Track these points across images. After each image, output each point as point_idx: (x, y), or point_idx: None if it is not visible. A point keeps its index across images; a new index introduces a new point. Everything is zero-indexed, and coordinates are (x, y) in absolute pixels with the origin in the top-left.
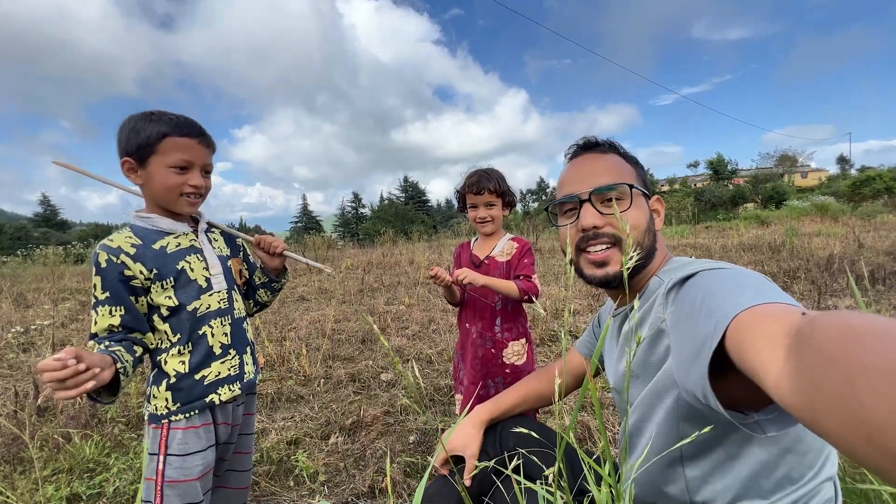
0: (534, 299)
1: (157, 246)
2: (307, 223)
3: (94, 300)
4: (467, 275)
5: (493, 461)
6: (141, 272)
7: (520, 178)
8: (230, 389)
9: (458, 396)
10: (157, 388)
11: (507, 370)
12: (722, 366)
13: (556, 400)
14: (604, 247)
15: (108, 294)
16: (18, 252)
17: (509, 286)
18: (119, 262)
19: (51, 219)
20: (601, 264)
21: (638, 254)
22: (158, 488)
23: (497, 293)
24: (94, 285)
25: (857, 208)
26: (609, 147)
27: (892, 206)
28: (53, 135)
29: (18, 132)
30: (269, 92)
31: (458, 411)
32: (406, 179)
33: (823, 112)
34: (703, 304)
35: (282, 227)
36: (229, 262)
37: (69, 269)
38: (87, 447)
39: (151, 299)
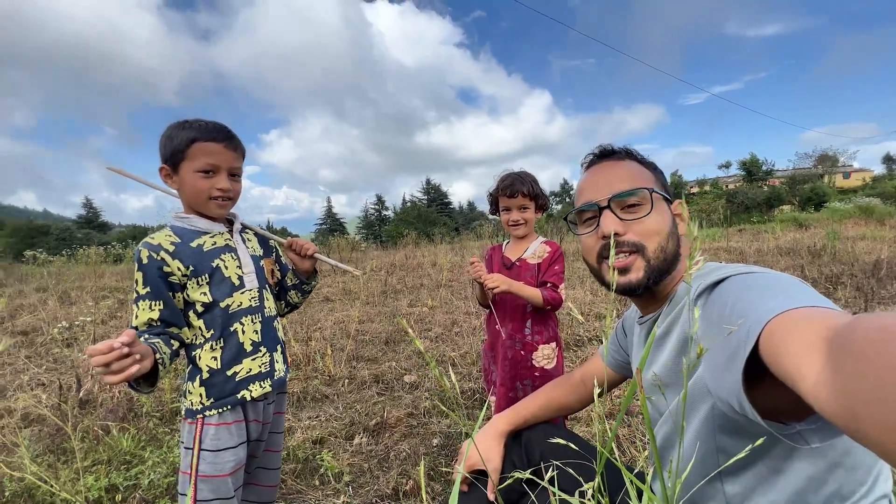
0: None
1: (194, 244)
2: (331, 225)
3: (135, 295)
4: (499, 283)
5: (527, 471)
6: (178, 268)
7: (543, 180)
8: (261, 386)
9: (492, 399)
10: (192, 384)
11: (537, 373)
12: (757, 373)
13: (596, 402)
14: (625, 254)
15: (148, 289)
16: (63, 252)
17: (535, 294)
18: (159, 258)
19: (92, 220)
20: (623, 271)
21: (661, 259)
22: (193, 482)
23: (522, 299)
24: (136, 280)
25: None
26: (626, 154)
27: None
28: (98, 140)
29: (68, 138)
30: (297, 97)
31: (493, 412)
32: (428, 181)
33: (866, 109)
34: (734, 309)
35: (307, 229)
36: (262, 262)
37: (109, 269)
38: (124, 440)
39: (188, 295)
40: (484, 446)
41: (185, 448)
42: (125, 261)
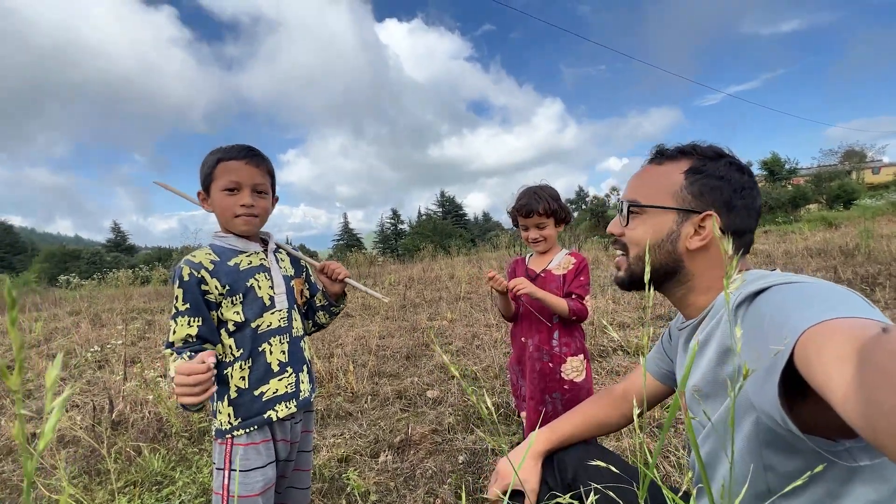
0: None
1: (231, 263)
2: (349, 241)
3: (174, 311)
4: (524, 286)
5: (567, 495)
6: (216, 287)
7: (559, 188)
8: (286, 406)
9: (524, 414)
10: (221, 403)
11: (566, 386)
12: (801, 386)
13: (636, 423)
14: (620, 254)
15: (188, 305)
16: (94, 276)
17: (561, 305)
18: (199, 276)
19: (121, 244)
20: (617, 268)
21: (640, 268)
22: (225, 502)
23: (548, 308)
24: (176, 297)
25: None
26: (668, 157)
27: None
28: (129, 167)
29: (101, 167)
30: (315, 117)
31: (525, 428)
32: (443, 194)
33: (893, 102)
34: (773, 319)
35: (324, 245)
36: (292, 282)
37: (137, 290)
38: (155, 460)
39: (221, 313)
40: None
41: (217, 469)
42: (152, 282)
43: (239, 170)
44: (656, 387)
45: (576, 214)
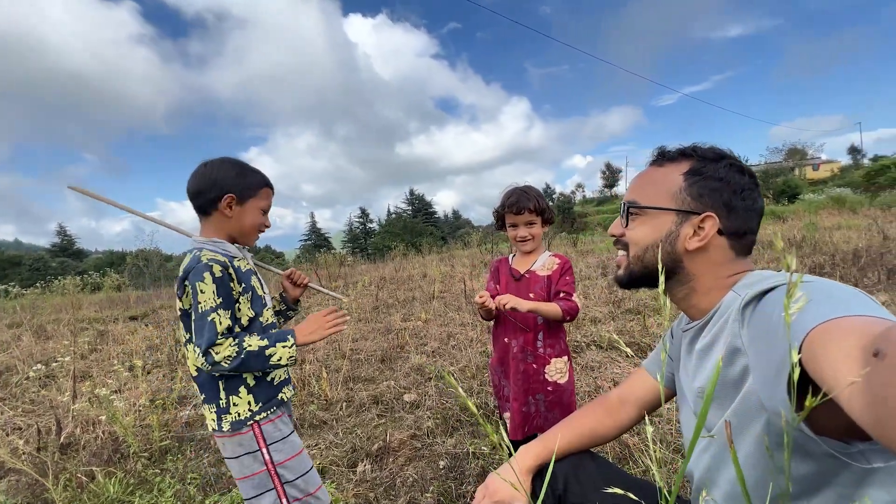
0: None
1: (236, 265)
2: (316, 240)
3: (208, 307)
4: (511, 301)
5: None
6: (236, 285)
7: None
8: (289, 390)
9: (507, 416)
10: (236, 396)
11: (550, 388)
12: (811, 385)
13: (650, 438)
14: (621, 252)
15: (221, 299)
16: (38, 284)
17: (553, 309)
18: (230, 273)
19: (67, 248)
20: (617, 267)
21: (640, 266)
22: (274, 474)
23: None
24: (206, 293)
25: (876, 198)
26: (669, 158)
27: None
28: (79, 169)
29: (45, 167)
30: (278, 115)
31: (509, 430)
32: (412, 192)
33: (830, 103)
34: (780, 319)
35: (291, 245)
36: None
37: (86, 298)
38: (111, 485)
39: (238, 309)
40: (510, 484)
41: (248, 453)
42: (104, 289)
43: (271, 197)
44: (654, 387)
45: None
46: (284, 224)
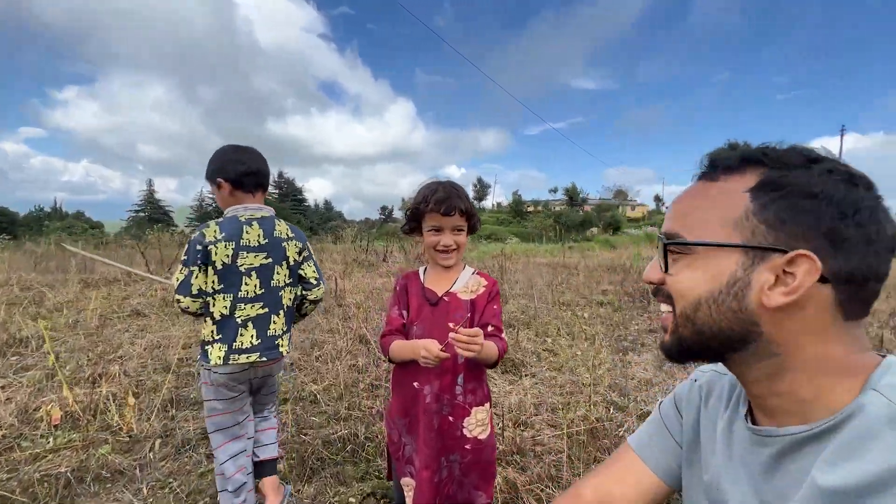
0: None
1: None
2: (152, 213)
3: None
4: (478, 342)
5: None
6: None
7: (404, 187)
8: None
9: (408, 481)
10: None
11: (468, 446)
12: None
13: None
14: (665, 307)
15: None
16: None
17: (492, 351)
18: None
19: None
20: (663, 329)
21: (690, 330)
22: None
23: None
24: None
25: None
26: (726, 168)
27: None
28: None
29: None
30: (116, 55)
31: None
32: (281, 175)
33: (645, 158)
34: None
35: (116, 216)
36: None
37: None
38: None
39: None
40: None
41: None
42: None
43: None
44: (651, 484)
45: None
46: (110, 188)
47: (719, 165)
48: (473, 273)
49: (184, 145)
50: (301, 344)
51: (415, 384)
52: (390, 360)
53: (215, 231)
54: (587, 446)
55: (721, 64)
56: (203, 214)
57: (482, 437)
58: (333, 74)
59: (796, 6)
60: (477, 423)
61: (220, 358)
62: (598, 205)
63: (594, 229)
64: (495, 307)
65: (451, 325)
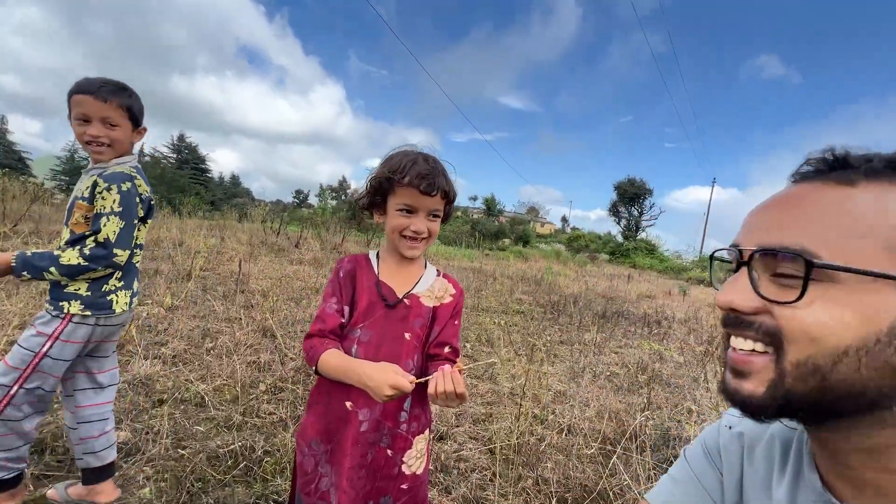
0: None
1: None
2: (2, 158)
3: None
4: (461, 384)
5: None
6: None
7: (323, 173)
8: None
9: None
10: None
11: (405, 485)
12: None
13: None
14: (751, 345)
15: None
16: None
17: (459, 385)
18: None
19: None
20: (739, 373)
21: (808, 386)
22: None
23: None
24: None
25: (575, 256)
26: (868, 172)
27: (591, 258)
28: None
29: None
30: None
31: None
32: (182, 138)
33: (555, 180)
34: None
35: None
36: (76, 203)
37: None
38: None
39: None
40: None
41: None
42: None
43: (84, 103)
44: None
45: (334, 203)
46: None
47: (854, 166)
48: (439, 275)
49: (57, 84)
50: (190, 333)
51: (347, 404)
52: (317, 373)
53: (142, 183)
54: (513, 463)
55: (627, 107)
56: (74, 167)
57: (419, 471)
58: (259, 40)
59: (696, 69)
60: (416, 456)
61: (126, 304)
62: (513, 218)
63: (506, 240)
64: (457, 323)
65: (406, 335)
